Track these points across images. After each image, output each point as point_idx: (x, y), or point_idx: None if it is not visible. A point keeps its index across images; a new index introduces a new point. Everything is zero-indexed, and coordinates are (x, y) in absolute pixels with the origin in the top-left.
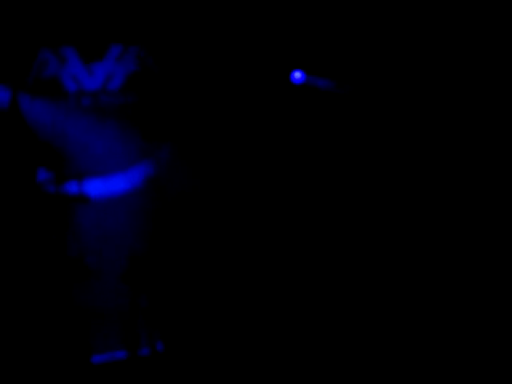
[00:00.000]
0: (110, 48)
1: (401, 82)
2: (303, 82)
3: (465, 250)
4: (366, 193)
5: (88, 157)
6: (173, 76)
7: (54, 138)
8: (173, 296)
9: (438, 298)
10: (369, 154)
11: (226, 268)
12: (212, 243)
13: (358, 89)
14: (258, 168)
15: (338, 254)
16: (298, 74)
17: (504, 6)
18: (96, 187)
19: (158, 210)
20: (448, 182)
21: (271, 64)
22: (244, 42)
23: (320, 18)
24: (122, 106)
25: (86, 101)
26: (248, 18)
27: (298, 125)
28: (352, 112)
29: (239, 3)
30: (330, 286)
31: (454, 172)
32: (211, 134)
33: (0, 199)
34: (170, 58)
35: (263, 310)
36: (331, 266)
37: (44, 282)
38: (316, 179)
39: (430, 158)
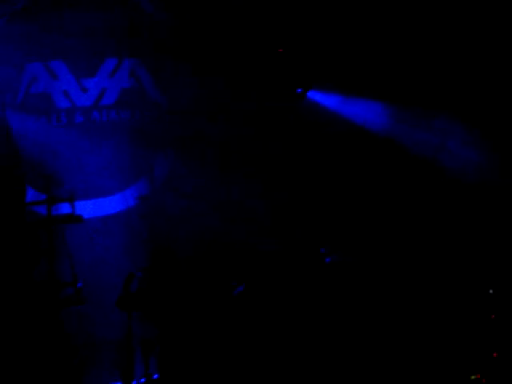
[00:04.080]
0: (103, 62)
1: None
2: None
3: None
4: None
5: (80, 176)
6: (168, 91)
7: (45, 157)
8: (171, 322)
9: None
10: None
11: (225, 291)
12: (211, 264)
13: None
14: (253, 183)
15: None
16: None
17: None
18: (89, 208)
19: (154, 231)
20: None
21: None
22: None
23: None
24: (115, 124)
25: (79, 118)
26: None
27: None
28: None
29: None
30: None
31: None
32: (207, 151)
33: None
34: (167, 74)
35: (265, 352)
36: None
37: (35, 308)
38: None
39: None
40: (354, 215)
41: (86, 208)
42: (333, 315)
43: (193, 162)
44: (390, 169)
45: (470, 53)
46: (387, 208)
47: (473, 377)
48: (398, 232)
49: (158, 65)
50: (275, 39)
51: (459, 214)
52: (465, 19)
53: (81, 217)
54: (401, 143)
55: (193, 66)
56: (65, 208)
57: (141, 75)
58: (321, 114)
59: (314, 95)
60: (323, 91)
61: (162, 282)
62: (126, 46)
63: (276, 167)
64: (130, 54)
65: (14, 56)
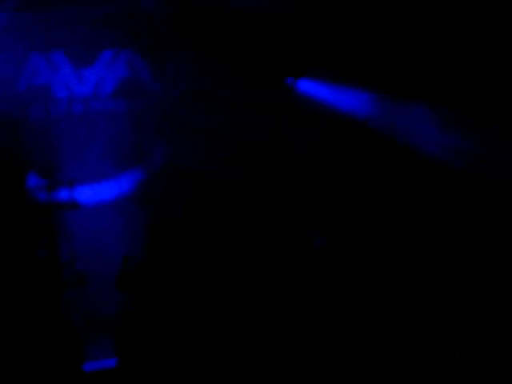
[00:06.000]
0: (100, 53)
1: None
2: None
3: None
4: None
5: (80, 163)
6: (164, 81)
7: (46, 145)
8: (167, 302)
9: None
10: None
11: (219, 275)
12: (206, 249)
13: None
14: (250, 173)
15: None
16: (292, 80)
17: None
18: (87, 193)
19: (150, 215)
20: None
21: (268, 70)
22: (239, 46)
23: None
24: (113, 112)
25: (78, 107)
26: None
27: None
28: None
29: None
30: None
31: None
32: (203, 139)
33: None
34: (162, 63)
35: (258, 324)
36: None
37: (35, 288)
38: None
39: None
40: (341, 200)
41: (85, 193)
42: (321, 301)
43: (188, 149)
44: (375, 155)
45: (452, 43)
46: (373, 193)
47: None
48: (383, 216)
49: (155, 55)
50: (267, 30)
51: (441, 197)
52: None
53: (78, 204)
54: (384, 131)
55: (188, 57)
56: (64, 194)
57: (137, 65)
58: (309, 103)
59: (304, 85)
60: (312, 80)
61: (159, 264)
62: (123, 37)
63: (266, 154)
64: (127, 44)
65: (16, 48)
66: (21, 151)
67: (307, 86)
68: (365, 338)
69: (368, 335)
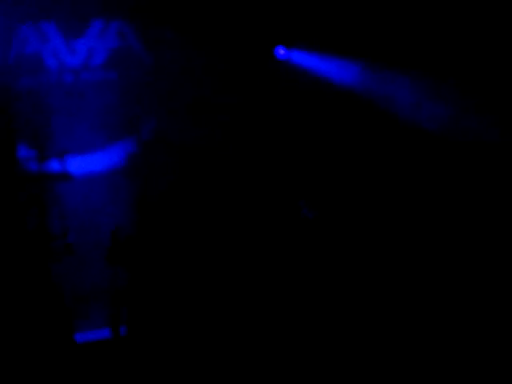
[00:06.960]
0: (91, 23)
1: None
2: (286, 58)
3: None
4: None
5: (70, 134)
6: (155, 52)
7: (36, 115)
8: (156, 274)
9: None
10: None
11: (209, 245)
12: (195, 221)
13: None
14: (238, 146)
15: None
16: (281, 51)
17: None
18: (78, 164)
19: (141, 187)
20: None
21: (256, 40)
22: (228, 17)
23: None
24: (103, 83)
25: (68, 77)
26: None
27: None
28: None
29: None
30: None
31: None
32: (193, 111)
33: None
34: (152, 34)
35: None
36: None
37: (26, 259)
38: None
39: None
40: (329, 170)
41: (76, 164)
42: (310, 270)
43: (180, 123)
44: (363, 124)
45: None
46: (362, 162)
47: None
48: (370, 184)
49: (145, 26)
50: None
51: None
52: None
53: (69, 175)
54: (377, 101)
55: (177, 27)
56: (55, 165)
57: (128, 36)
58: (298, 73)
59: (293, 55)
60: (300, 51)
61: (148, 237)
62: (113, 7)
63: (256, 123)
64: (118, 14)
65: (5, 19)
66: (11, 121)
67: (296, 57)
68: (352, 311)
69: (355, 309)
